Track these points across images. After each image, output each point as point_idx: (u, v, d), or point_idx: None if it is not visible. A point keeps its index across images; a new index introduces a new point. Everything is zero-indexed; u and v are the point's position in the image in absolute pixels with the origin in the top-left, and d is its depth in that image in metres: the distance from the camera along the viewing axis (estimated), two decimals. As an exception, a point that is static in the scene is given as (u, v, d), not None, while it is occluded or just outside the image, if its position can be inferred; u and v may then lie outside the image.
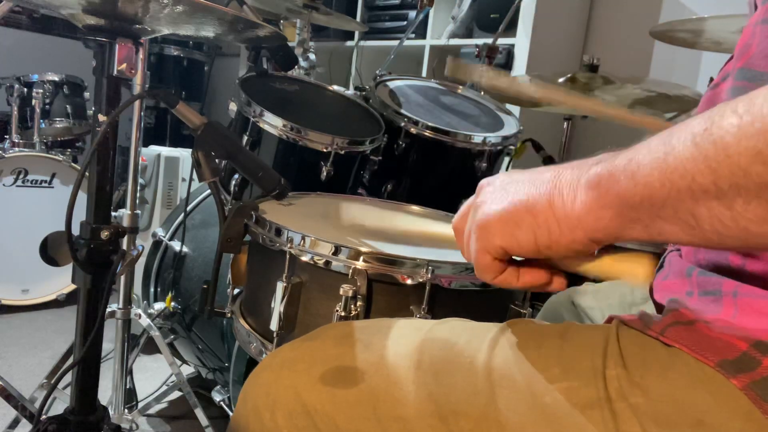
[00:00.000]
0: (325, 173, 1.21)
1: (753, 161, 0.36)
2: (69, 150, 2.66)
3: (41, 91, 2.41)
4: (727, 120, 0.38)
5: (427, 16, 2.54)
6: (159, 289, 1.67)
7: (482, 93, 1.68)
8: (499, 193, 0.53)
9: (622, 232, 0.45)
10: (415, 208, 1.18)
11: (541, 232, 0.49)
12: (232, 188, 1.27)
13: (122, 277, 1.40)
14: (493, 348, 0.55)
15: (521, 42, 2.21)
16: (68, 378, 0.89)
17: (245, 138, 1.24)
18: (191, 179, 0.97)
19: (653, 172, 0.41)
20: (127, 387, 1.46)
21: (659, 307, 0.56)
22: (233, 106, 1.29)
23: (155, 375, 1.81)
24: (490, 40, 1.89)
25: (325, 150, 1.21)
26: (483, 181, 0.57)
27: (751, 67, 0.49)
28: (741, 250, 0.47)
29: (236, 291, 0.97)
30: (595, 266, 0.53)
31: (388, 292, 0.78)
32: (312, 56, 1.77)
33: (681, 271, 0.54)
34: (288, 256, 0.80)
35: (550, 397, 0.50)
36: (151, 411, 1.66)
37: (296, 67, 1.55)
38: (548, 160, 1.74)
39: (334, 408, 0.57)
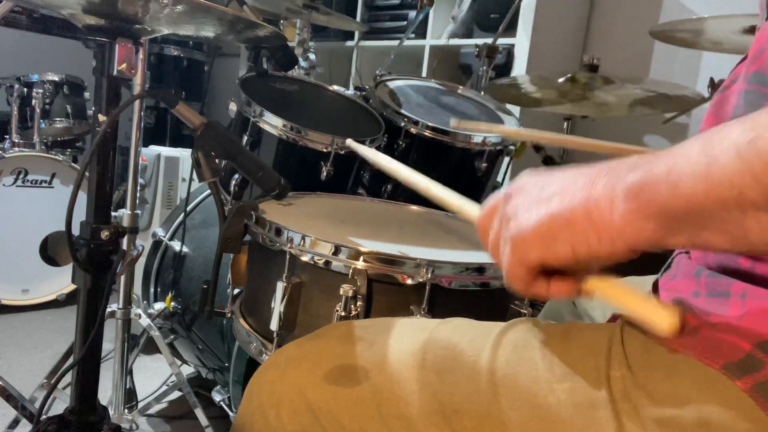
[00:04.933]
0: (325, 173, 1.21)
1: None
2: (69, 150, 2.66)
3: (41, 91, 2.41)
4: None
5: (427, 16, 2.54)
6: (159, 289, 1.67)
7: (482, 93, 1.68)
8: (532, 204, 0.50)
9: (665, 241, 0.43)
10: (415, 208, 1.18)
11: (580, 243, 0.46)
12: (232, 188, 1.27)
13: (122, 277, 1.40)
14: (497, 348, 0.55)
15: (521, 42, 2.21)
16: (68, 378, 0.89)
17: (245, 138, 1.24)
18: (191, 179, 0.98)
19: (697, 185, 0.39)
20: (127, 387, 1.46)
21: None
22: (233, 106, 1.29)
23: (155, 375, 1.81)
24: (490, 40, 1.89)
25: (325, 150, 1.21)
26: (511, 188, 0.54)
27: (766, 72, 0.49)
28: None
29: (236, 291, 0.97)
30: (623, 297, 0.49)
31: (388, 292, 0.78)
32: (312, 56, 1.77)
33: (689, 272, 0.54)
34: (288, 256, 0.80)
35: (553, 397, 0.50)
36: (151, 411, 1.66)
37: (296, 67, 1.55)
38: (548, 160, 1.74)
39: (338, 406, 0.57)
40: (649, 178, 0.42)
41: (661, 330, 0.46)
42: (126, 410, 1.46)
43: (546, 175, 0.51)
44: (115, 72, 0.79)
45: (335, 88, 1.49)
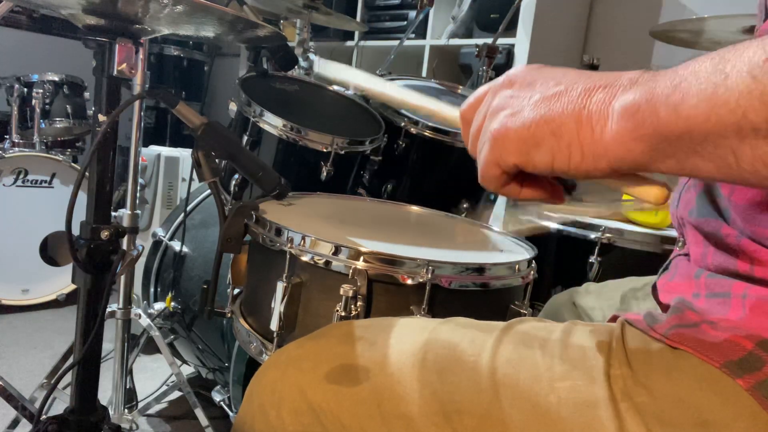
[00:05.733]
0: (325, 173, 1.21)
1: None
2: (69, 150, 2.66)
3: (41, 91, 2.41)
4: None
5: (427, 16, 2.54)
6: (159, 289, 1.67)
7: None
8: (521, 101, 0.47)
9: (651, 165, 0.42)
10: (415, 208, 1.18)
11: (561, 156, 0.45)
12: (232, 188, 1.27)
13: (122, 277, 1.40)
14: (497, 347, 0.55)
15: (521, 42, 2.21)
16: (68, 378, 0.89)
17: (245, 138, 1.24)
18: (191, 179, 0.97)
19: (699, 104, 0.37)
20: (127, 387, 1.46)
21: (664, 308, 0.56)
22: (233, 106, 1.29)
23: (155, 375, 1.81)
24: (490, 40, 1.89)
25: (325, 150, 1.21)
26: (502, 79, 0.50)
27: None
28: None
29: (236, 291, 0.97)
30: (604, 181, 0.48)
31: (389, 292, 0.78)
32: (312, 56, 1.77)
33: (689, 273, 0.54)
34: (288, 256, 0.80)
35: (554, 396, 0.50)
36: (151, 411, 1.66)
37: (296, 67, 1.55)
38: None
39: (339, 406, 0.57)
40: (649, 97, 0.41)
41: (654, 198, 0.45)
42: (126, 410, 1.46)
43: (543, 71, 0.49)
44: (115, 72, 0.79)
45: (335, 88, 1.49)
